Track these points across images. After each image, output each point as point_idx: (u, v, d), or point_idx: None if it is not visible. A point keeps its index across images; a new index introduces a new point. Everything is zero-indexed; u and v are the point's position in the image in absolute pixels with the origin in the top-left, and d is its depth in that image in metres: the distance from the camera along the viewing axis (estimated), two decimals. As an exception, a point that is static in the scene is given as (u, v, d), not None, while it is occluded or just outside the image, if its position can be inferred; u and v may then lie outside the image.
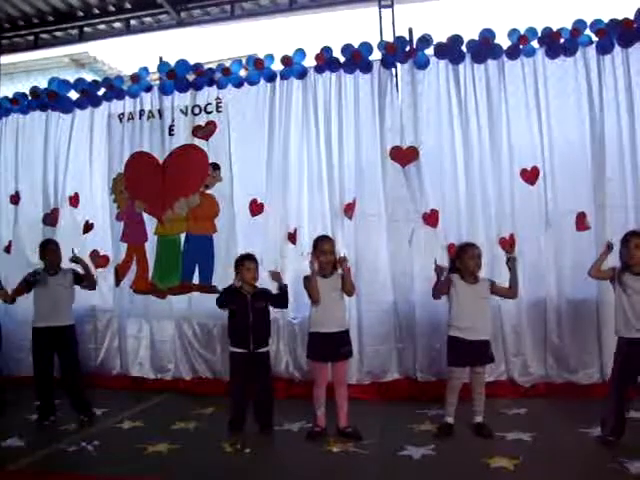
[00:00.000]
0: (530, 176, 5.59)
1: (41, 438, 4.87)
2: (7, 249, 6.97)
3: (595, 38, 5.51)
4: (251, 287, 4.81)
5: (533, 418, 4.84)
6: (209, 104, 6.42)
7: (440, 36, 5.80)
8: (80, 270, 5.46)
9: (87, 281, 5.49)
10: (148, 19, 7.98)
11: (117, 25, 8.09)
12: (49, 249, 5.40)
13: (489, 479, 3.77)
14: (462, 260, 4.60)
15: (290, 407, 5.14)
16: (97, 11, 7.91)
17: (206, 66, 6.54)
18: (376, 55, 5.95)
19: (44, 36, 8.36)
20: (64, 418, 5.19)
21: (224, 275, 5.99)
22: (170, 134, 6.52)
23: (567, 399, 5.19)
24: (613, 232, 4.53)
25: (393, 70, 5.99)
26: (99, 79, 7.20)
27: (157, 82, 6.70)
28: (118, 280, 6.58)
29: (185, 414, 5.31)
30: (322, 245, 4.67)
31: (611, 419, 4.14)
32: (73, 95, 6.92)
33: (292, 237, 6.03)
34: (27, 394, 5.38)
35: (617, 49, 5.46)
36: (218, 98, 6.39)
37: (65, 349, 5.28)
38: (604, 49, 5.47)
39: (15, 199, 7.05)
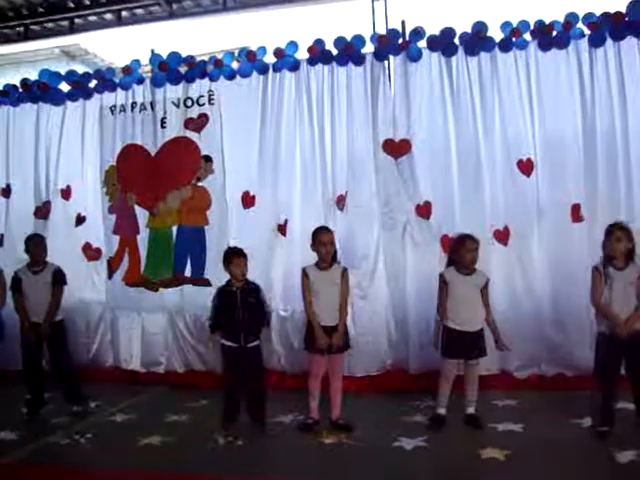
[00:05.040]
0: (525, 167, 5.60)
1: (34, 431, 4.87)
2: (-1, 242, 6.94)
3: (587, 31, 5.51)
4: (240, 282, 4.79)
5: (525, 410, 4.86)
6: (201, 96, 6.39)
7: (433, 29, 5.79)
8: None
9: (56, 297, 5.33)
10: (140, 11, 7.94)
11: (108, 16, 8.05)
12: (32, 243, 5.36)
13: (480, 470, 3.80)
14: (459, 252, 4.61)
15: (282, 399, 5.14)
16: (88, 2, 7.86)
17: (198, 58, 6.50)
18: (369, 48, 5.93)
19: (34, 27, 8.31)
20: (56, 411, 5.19)
21: (216, 267, 5.97)
22: (162, 126, 6.49)
23: (559, 391, 5.22)
24: (605, 223, 4.54)
25: (386, 63, 5.98)
26: (90, 71, 7.15)
27: (149, 74, 6.65)
28: (111, 273, 6.57)
29: (178, 406, 5.32)
30: (321, 236, 4.66)
31: (599, 411, 4.18)
32: (64, 87, 6.87)
33: (282, 229, 6.04)
34: (22, 388, 5.37)
35: (609, 42, 5.47)
36: (210, 90, 6.37)
37: (54, 344, 5.27)
38: (596, 42, 5.47)
39: (6, 192, 7.00)
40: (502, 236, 5.60)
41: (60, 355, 5.30)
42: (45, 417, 5.15)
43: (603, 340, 4.25)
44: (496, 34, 5.66)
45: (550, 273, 5.57)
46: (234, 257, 4.77)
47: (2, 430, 4.79)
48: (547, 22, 5.53)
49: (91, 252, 6.70)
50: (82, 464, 4.18)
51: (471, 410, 4.60)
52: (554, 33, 5.54)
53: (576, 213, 5.48)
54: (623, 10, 5.38)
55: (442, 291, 4.64)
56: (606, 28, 5.42)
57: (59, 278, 5.36)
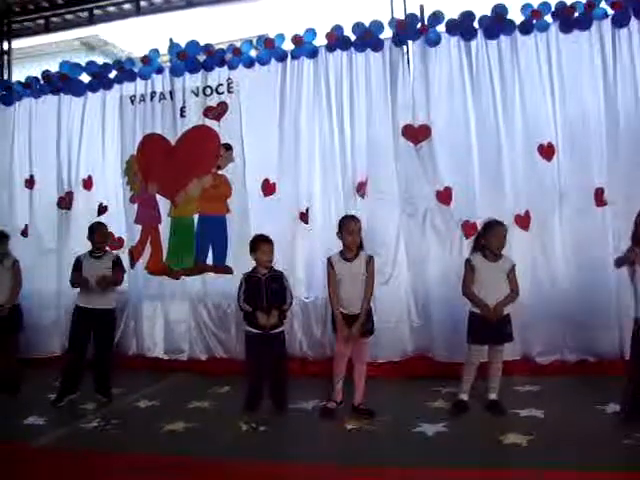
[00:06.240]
0: (546, 152, 5.54)
1: (61, 417, 4.96)
2: (24, 233, 7.03)
3: (610, 11, 5.42)
4: (266, 269, 4.82)
5: (547, 395, 4.84)
6: (220, 85, 6.41)
7: (452, 12, 5.74)
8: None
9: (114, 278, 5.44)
10: (158, 0, 7.94)
11: (127, 7, 8.06)
12: (96, 231, 5.46)
13: (502, 455, 3.79)
14: (486, 237, 4.57)
15: (304, 385, 5.18)
16: (106, -7, 7.89)
17: (217, 47, 6.53)
18: (387, 33, 5.90)
19: (54, 19, 8.35)
20: (82, 397, 5.27)
21: (238, 255, 6.02)
22: (182, 115, 6.53)
23: (583, 377, 5.18)
24: (630, 207, 4.47)
25: (404, 48, 5.95)
26: (110, 62, 7.20)
27: (168, 63, 6.69)
28: (133, 262, 6.63)
29: (201, 393, 5.37)
30: (348, 225, 4.63)
31: (629, 399, 4.11)
32: (85, 78, 6.94)
33: (304, 216, 6.05)
34: (47, 374, 5.45)
35: (633, 22, 5.37)
36: (229, 79, 6.39)
37: (103, 331, 5.34)
38: (620, 22, 5.38)
39: (30, 183, 7.10)
40: (523, 221, 5.55)
41: (105, 343, 5.36)
42: (71, 403, 5.22)
43: None
44: (516, 16, 5.59)
45: (573, 258, 5.51)
46: (262, 243, 4.79)
47: (30, 415, 4.87)
48: (569, 3, 5.44)
49: (113, 242, 6.76)
50: (108, 449, 4.23)
51: (493, 396, 4.58)
52: (576, 14, 5.45)
53: (599, 197, 5.41)
54: (648, -12, 5.28)
55: (468, 276, 4.61)
56: (630, 7, 5.31)
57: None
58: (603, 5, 5.43)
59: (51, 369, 5.92)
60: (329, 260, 4.69)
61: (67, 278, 5.52)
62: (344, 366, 4.68)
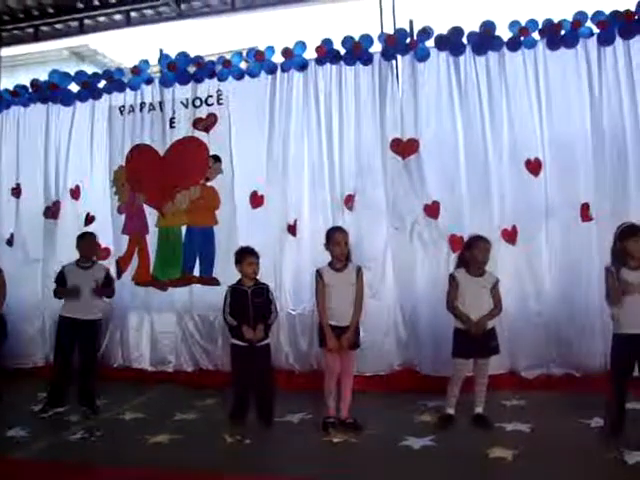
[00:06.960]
0: (533, 167, 5.59)
1: (44, 428, 4.90)
2: (9, 242, 6.98)
3: (596, 30, 5.49)
4: (252, 281, 4.82)
5: (533, 410, 4.84)
6: (210, 96, 6.42)
7: (441, 28, 5.79)
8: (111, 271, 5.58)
9: (108, 289, 5.49)
10: (148, 11, 7.97)
11: (117, 17, 8.09)
12: (84, 241, 5.43)
13: (488, 469, 3.79)
14: (471, 252, 4.61)
15: (290, 398, 5.15)
16: (97, 3, 7.90)
17: (207, 58, 6.55)
18: (376, 47, 5.94)
19: (44, 28, 8.36)
20: (66, 409, 5.21)
21: (225, 267, 6.00)
22: (171, 126, 6.53)
23: (568, 391, 5.19)
24: (615, 223, 4.52)
25: (394, 62, 5.98)
26: (99, 72, 7.20)
27: (158, 74, 6.69)
28: (120, 272, 6.59)
29: (186, 405, 5.33)
30: (336, 236, 4.64)
31: (613, 414, 4.13)
32: (74, 88, 6.91)
33: (292, 229, 6.05)
34: (30, 384, 5.39)
35: (618, 41, 5.45)
36: (219, 90, 6.40)
37: (87, 342, 5.31)
38: (605, 41, 5.45)
39: (16, 192, 7.05)
40: (510, 236, 5.59)
41: (89, 354, 5.33)
42: (55, 414, 5.17)
43: (619, 343, 4.20)
44: (504, 33, 5.65)
45: (559, 273, 5.54)
46: (247, 256, 4.80)
47: (13, 427, 4.81)
48: (556, 21, 5.51)
49: (100, 252, 6.72)
50: (92, 462, 4.18)
51: (479, 410, 4.59)
52: (562, 32, 5.52)
53: (585, 212, 5.46)
54: (633, 8, 5.37)
55: (452, 291, 4.63)
56: (615, 26, 5.40)
57: (111, 277, 5.54)
58: (589, 24, 5.50)
59: (35, 380, 5.87)
60: (318, 272, 4.68)
61: (53, 288, 5.47)
62: (335, 382, 4.66)
